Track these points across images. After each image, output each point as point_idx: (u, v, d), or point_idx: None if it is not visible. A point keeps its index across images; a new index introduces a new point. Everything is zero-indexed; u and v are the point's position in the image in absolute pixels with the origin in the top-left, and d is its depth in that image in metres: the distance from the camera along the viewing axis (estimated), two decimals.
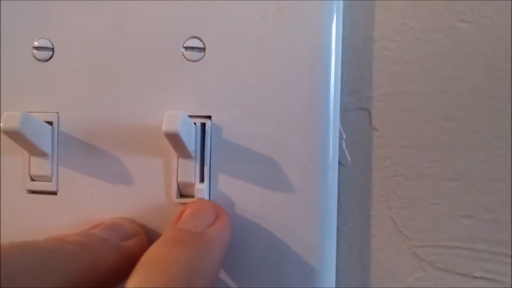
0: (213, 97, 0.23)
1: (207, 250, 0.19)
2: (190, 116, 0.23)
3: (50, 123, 0.24)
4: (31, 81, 0.25)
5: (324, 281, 0.23)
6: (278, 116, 0.23)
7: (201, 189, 0.23)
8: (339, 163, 0.24)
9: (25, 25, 0.25)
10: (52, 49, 0.25)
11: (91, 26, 0.24)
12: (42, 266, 0.18)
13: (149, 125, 0.24)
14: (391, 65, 0.24)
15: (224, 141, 0.23)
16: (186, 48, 0.24)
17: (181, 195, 0.24)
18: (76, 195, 0.24)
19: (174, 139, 0.21)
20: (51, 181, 0.25)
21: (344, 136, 0.24)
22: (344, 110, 0.24)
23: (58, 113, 0.25)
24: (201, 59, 0.24)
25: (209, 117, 0.23)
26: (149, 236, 0.24)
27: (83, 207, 0.24)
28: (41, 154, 0.24)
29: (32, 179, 0.25)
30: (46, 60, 0.25)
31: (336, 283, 0.24)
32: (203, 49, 0.23)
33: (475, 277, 0.23)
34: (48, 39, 0.25)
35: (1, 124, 0.21)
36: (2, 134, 0.22)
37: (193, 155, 0.23)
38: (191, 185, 0.23)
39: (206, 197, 0.23)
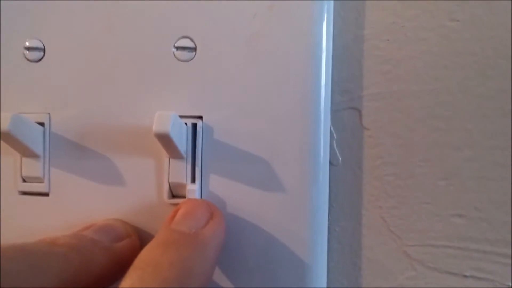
0: (204, 97, 0.23)
1: (201, 251, 0.19)
2: (181, 117, 0.23)
3: (42, 124, 0.24)
4: (22, 81, 0.25)
5: (316, 280, 0.23)
6: (269, 116, 0.23)
7: (192, 190, 0.23)
8: (330, 162, 0.24)
9: (16, 25, 0.25)
10: (44, 50, 0.25)
11: (82, 26, 0.24)
12: (31, 270, 0.18)
13: (140, 125, 0.24)
14: (382, 65, 0.24)
15: (215, 141, 0.23)
16: (177, 48, 0.24)
17: (173, 195, 0.24)
18: (68, 196, 0.24)
19: (164, 139, 0.21)
20: (42, 182, 0.25)
21: (335, 135, 0.24)
22: (335, 110, 0.24)
23: (49, 114, 0.25)
24: (192, 59, 0.23)
25: (200, 117, 0.23)
26: (141, 237, 0.24)
27: (75, 208, 0.24)
28: (33, 155, 0.24)
29: (24, 180, 0.25)
30: (37, 61, 0.25)
31: (328, 282, 0.24)
32: (194, 49, 0.23)
33: (466, 276, 0.23)
34: (39, 40, 0.25)
35: None
36: None
37: (184, 155, 0.23)
38: (183, 186, 0.23)
39: (198, 198, 0.23)
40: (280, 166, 0.23)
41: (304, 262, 0.23)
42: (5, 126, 0.21)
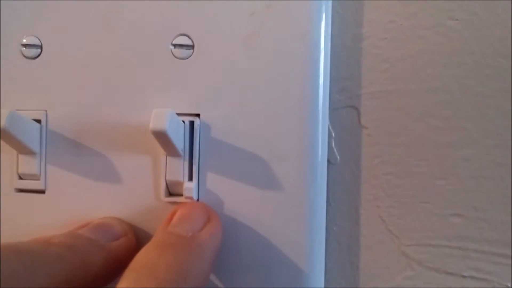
0: (201, 95, 0.23)
1: (198, 255, 0.19)
2: (179, 114, 0.23)
3: (38, 121, 0.24)
4: (19, 78, 0.25)
5: (313, 280, 0.23)
6: (267, 114, 0.23)
7: (189, 188, 0.23)
8: (328, 161, 0.24)
9: (13, 22, 0.25)
10: (41, 47, 0.24)
11: (80, 23, 0.24)
12: (26, 270, 0.18)
13: (137, 123, 0.24)
14: (380, 63, 0.24)
15: (212, 139, 0.23)
16: (175, 45, 0.23)
17: (170, 193, 0.24)
18: (64, 194, 0.24)
19: (161, 137, 0.21)
20: (39, 179, 0.24)
21: (333, 134, 0.24)
22: (333, 108, 0.24)
23: (46, 111, 0.24)
24: (189, 56, 0.23)
25: (198, 115, 0.23)
26: (138, 236, 0.23)
27: (71, 205, 0.24)
28: (29, 152, 0.24)
29: (20, 178, 0.25)
30: (34, 58, 0.24)
31: (325, 282, 0.24)
32: (191, 47, 0.23)
33: (464, 276, 0.23)
34: (36, 37, 0.24)
35: None
36: None
37: (182, 153, 0.23)
38: (180, 184, 0.23)
39: (195, 196, 0.23)
40: (278, 165, 0.23)
41: (302, 261, 0.23)
42: (2, 124, 0.21)
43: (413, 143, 0.23)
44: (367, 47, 0.24)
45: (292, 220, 0.23)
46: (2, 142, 0.23)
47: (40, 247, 0.19)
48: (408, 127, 0.23)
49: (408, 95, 0.23)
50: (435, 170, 0.23)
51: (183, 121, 0.23)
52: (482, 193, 0.23)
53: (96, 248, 0.21)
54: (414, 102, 0.23)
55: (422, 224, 0.23)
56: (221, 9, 0.23)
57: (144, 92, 0.24)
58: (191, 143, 0.23)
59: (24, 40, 0.24)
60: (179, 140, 0.23)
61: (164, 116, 0.21)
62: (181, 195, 0.23)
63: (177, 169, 0.23)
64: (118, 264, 0.21)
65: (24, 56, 0.24)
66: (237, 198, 0.23)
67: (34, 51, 0.24)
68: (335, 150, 0.24)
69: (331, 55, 0.24)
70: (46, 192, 0.24)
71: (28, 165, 0.24)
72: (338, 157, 0.24)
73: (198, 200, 0.23)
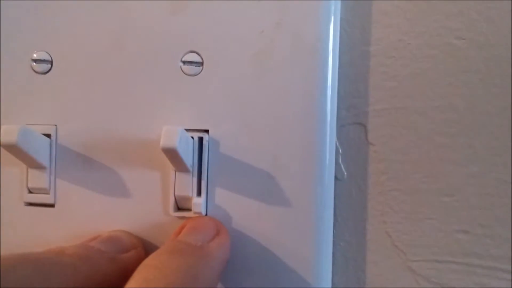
0: (210, 111, 0.24)
1: (206, 263, 0.19)
2: (188, 130, 0.23)
3: (48, 135, 0.24)
4: (30, 93, 0.25)
5: None
6: (275, 130, 0.23)
7: (198, 203, 0.23)
8: (336, 177, 0.24)
9: (24, 37, 0.25)
10: (51, 62, 0.25)
11: (90, 39, 0.24)
12: (41, 279, 0.18)
13: (147, 138, 0.24)
14: (388, 81, 0.24)
15: (221, 155, 0.23)
16: (184, 62, 0.24)
17: (178, 208, 0.24)
18: (74, 208, 0.24)
19: (171, 154, 0.21)
20: (48, 193, 0.25)
21: (340, 150, 0.25)
22: (341, 125, 0.24)
23: (56, 125, 0.25)
24: (199, 73, 0.24)
25: (207, 131, 0.24)
26: (146, 249, 0.24)
27: (80, 219, 0.24)
28: (39, 166, 0.24)
29: (30, 191, 0.25)
30: (45, 73, 0.25)
31: None
32: (201, 64, 0.24)
33: None
34: (47, 52, 0.25)
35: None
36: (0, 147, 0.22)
37: (191, 169, 0.23)
38: (188, 199, 0.23)
39: (203, 211, 0.23)
40: (285, 181, 0.23)
41: (309, 276, 0.23)
42: (12, 139, 0.21)
43: (419, 160, 0.24)
44: (375, 65, 0.24)
45: (300, 235, 0.23)
46: (12, 156, 0.23)
47: (54, 256, 0.20)
48: (415, 144, 0.24)
49: (415, 113, 0.24)
50: (441, 187, 0.23)
51: (192, 137, 0.23)
52: (487, 210, 0.23)
53: (107, 260, 0.21)
54: (420, 120, 0.23)
55: (428, 240, 0.24)
56: (230, 26, 0.23)
57: (153, 108, 0.24)
58: (200, 159, 0.23)
59: (35, 55, 0.25)
60: (188, 156, 0.23)
61: (175, 134, 0.21)
62: (190, 210, 0.23)
63: (186, 184, 0.23)
64: (128, 276, 0.21)
65: (35, 71, 0.25)
66: (245, 214, 0.23)
67: (44, 66, 0.25)
68: (342, 166, 0.25)
69: (339, 72, 0.24)
70: (56, 206, 0.25)
71: (37, 179, 0.25)
72: (345, 173, 0.25)
73: (206, 215, 0.24)
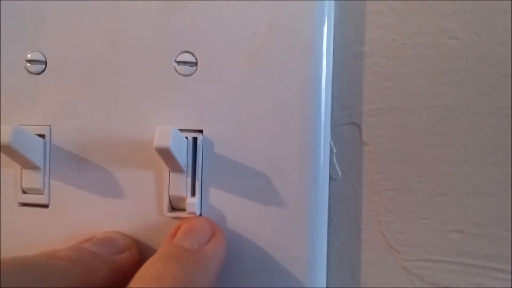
0: (204, 111, 0.24)
1: (203, 267, 0.19)
2: (182, 130, 0.23)
3: (42, 136, 0.24)
4: (24, 94, 0.25)
5: None
6: (269, 130, 0.23)
7: (192, 203, 0.23)
8: (330, 177, 0.24)
9: (18, 38, 0.25)
10: (45, 62, 0.25)
11: (84, 40, 0.24)
12: (32, 283, 0.18)
13: (141, 139, 0.24)
14: (381, 81, 0.24)
15: (215, 155, 0.23)
16: (178, 62, 0.24)
17: (173, 208, 0.24)
18: (68, 208, 0.24)
19: (165, 154, 0.21)
20: (42, 194, 0.25)
21: (334, 150, 0.25)
22: (335, 125, 0.24)
23: (50, 126, 0.25)
24: (193, 73, 0.24)
25: (201, 131, 0.24)
26: (141, 250, 0.24)
27: (74, 220, 0.24)
28: (33, 167, 0.24)
29: (24, 192, 0.25)
30: (39, 73, 0.25)
31: None
32: (195, 64, 0.24)
33: None
34: (41, 52, 0.25)
35: None
36: None
37: (185, 169, 0.23)
38: (183, 199, 0.23)
39: (198, 211, 0.23)
40: (280, 180, 0.23)
41: (303, 276, 0.23)
42: (6, 139, 0.21)
43: (413, 159, 0.24)
44: (369, 65, 0.24)
45: (294, 235, 0.23)
46: (6, 157, 0.23)
47: (46, 260, 0.20)
48: (409, 144, 0.24)
49: (409, 113, 0.24)
50: (435, 187, 0.23)
51: (186, 137, 0.23)
52: (482, 209, 0.23)
53: (100, 261, 0.21)
54: (414, 120, 0.23)
55: (423, 239, 0.24)
56: (224, 26, 0.23)
57: (147, 108, 0.24)
58: (194, 159, 0.23)
59: (29, 56, 0.25)
60: (182, 156, 0.23)
61: (168, 134, 0.21)
62: (184, 210, 0.23)
63: (180, 184, 0.23)
64: (122, 278, 0.21)
65: (29, 71, 0.25)
66: (240, 214, 0.23)
67: (38, 67, 0.25)
68: (336, 166, 0.25)
69: (333, 72, 0.24)
70: (50, 206, 0.25)
71: (31, 179, 0.24)
72: (340, 173, 0.25)
73: (200, 215, 0.24)
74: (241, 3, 0.23)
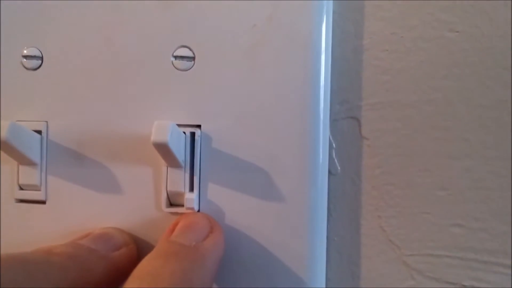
0: (202, 106, 0.23)
1: (201, 264, 0.19)
2: (180, 125, 0.23)
3: (39, 132, 0.24)
4: (20, 90, 0.25)
5: None
6: (267, 125, 0.23)
7: (190, 199, 0.23)
8: (329, 172, 0.24)
9: (14, 33, 0.25)
10: (41, 58, 0.24)
11: (80, 35, 0.24)
12: (28, 279, 0.18)
13: (138, 134, 0.24)
14: (381, 75, 0.24)
15: (213, 150, 0.23)
16: (176, 57, 0.23)
17: (171, 204, 0.24)
18: (65, 204, 0.24)
19: (163, 149, 0.21)
20: (39, 190, 0.24)
21: (334, 145, 0.24)
22: (334, 119, 0.24)
23: (47, 122, 0.24)
24: (190, 68, 0.23)
25: (199, 126, 0.23)
26: (139, 246, 0.24)
27: (72, 216, 0.24)
28: (30, 163, 0.24)
29: (21, 188, 0.25)
30: (35, 69, 0.24)
31: None
32: (192, 58, 0.23)
33: (465, 286, 0.23)
34: (37, 48, 0.24)
35: None
36: None
37: (183, 164, 0.23)
38: (181, 195, 0.23)
39: (196, 206, 0.23)
40: (279, 175, 0.23)
41: (303, 271, 0.23)
42: (2, 135, 0.21)
43: (413, 154, 0.23)
44: (368, 59, 0.24)
45: (293, 230, 0.23)
46: (2, 153, 0.23)
47: (43, 257, 0.20)
48: (409, 138, 0.23)
49: (408, 106, 0.23)
50: (435, 181, 0.23)
51: (184, 132, 0.23)
52: (482, 203, 0.23)
53: (97, 258, 0.21)
54: (414, 113, 0.23)
55: (423, 234, 0.23)
56: (222, 21, 0.23)
57: (145, 103, 0.24)
58: (192, 154, 0.23)
59: (25, 51, 0.24)
60: (180, 151, 0.23)
61: (166, 128, 0.21)
62: (182, 205, 0.23)
63: (178, 180, 0.23)
64: (119, 274, 0.21)
65: (25, 67, 0.24)
66: (238, 209, 0.23)
67: (34, 62, 0.24)
68: (336, 160, 0.24)
69: (332, 66, 0.24)
70: (47, 202, 0.24)
71: (28, 175, 0.24)
72: (339, 168, 0.24)
73: (199, 210, 0.23)
74: None
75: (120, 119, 0.24)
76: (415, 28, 0.23)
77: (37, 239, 0.24)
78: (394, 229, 0.24)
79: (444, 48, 0.23)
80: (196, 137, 0.23)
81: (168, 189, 0.23)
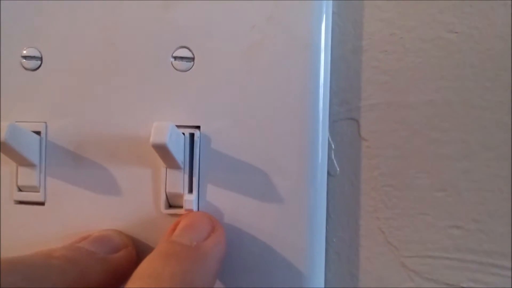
0: (202, 107, 0.23)
1: (202, 264, 0.19)
2: (179, 127, 0.23)
3: (38, 133, 0.24)
4: (19, 90, 0.25)
5: None
6: (267, 126, 0.23)
7: (189, 200, 0.23)
8: (328, 173, 0.24)
9: (14, 34, 0.25)
10: (41, 59, 0.24)
11: (80, 35, 0.24)
12: (28, 283, 0.18)
13: (137, 135, 0.24)
14: (380, 76, 0.24)
15: (213, 151, 0.23)
16: (175, 57, 0.23)
17: (170, 205, 0.24)
18: (64, 206, 0.24)
19: (162, 150, 0.21)
20: (38, 191, 0.24)
21: (333, 146, 0.24)
22: (333, 120, 0.24)
23: (46, 123, 0.24)
24: (190, 69, 0.23)
25: (198, 127, 0.23)
26: (138, 248, 0.24)
27: (71, 217, 0.24)
28: (29, 164, 0.24)
29: (20, 190, 0.25)
30: (35, 70, 0.24)
31: None
32: (192, 59, 0.23)
33: None
34: (36, 48, 0.24)
35: None
36: None
37: (182, 165, 0.23)
38: (180, 196, 0.23)
39: (195, 208, 0.23)
40: (278, 176, 0.23)
41: (302, 272, 0.23)
42: (2, 137, 0.21)
43: (412, 155, 0.23)
44: (367, 60, 0.24)
45: (292, 231, 0.23)
46: (1, 154, 0.23)
47: (42, 260, 0.19)
48: (408, 139, 0.23)
49: (407, 108, 0.23)
50: (434, 182, 0.23)
51: (183, 133, 0.23)
52: (481, 205, 0.23)
53: (96, 260, 0.21)
54: (413, 114, 0.23)
55: (422, 235, 0.23)
56: (222, 21, 0.23)
57: (144, 104, 0.24)
58: (191, 155, 0.23)
59: (24, 52, 0.24)
60: (179, 152, 0.23)
61: (165, 130, 0.21)
62: (181, 207, 0.23)
63: (177, 181, 0.23)
64: (119, 276, 0.21)
65: (24, 67, 0.24)
66: (237, 211, 0.23)
67: (34, 63, 0.24)
68: (335, 162, 0.24)
69: (331, 67, 0.24)
70: (46, 204, 0.24)
71: (27, 177, 0.24)
72: (338, 169, 0.24)
73: None
74: None
75: (119, 120, 0.24)
76: (414, 29, 0.23)
77: (36, 241, 0.24)
78: (392, 230, 0.24)
79: (443, 49, 0.23)
80: (195, 138, 0.23)
81: (167, 191, 0.23)
